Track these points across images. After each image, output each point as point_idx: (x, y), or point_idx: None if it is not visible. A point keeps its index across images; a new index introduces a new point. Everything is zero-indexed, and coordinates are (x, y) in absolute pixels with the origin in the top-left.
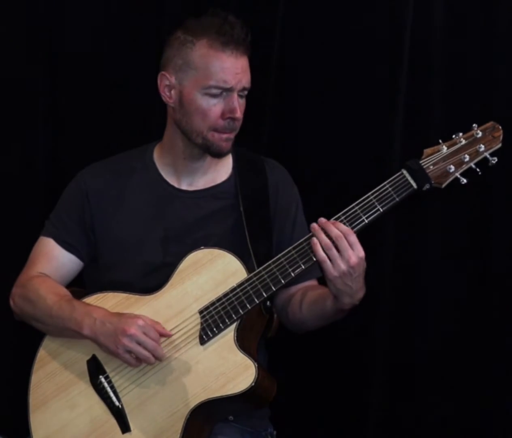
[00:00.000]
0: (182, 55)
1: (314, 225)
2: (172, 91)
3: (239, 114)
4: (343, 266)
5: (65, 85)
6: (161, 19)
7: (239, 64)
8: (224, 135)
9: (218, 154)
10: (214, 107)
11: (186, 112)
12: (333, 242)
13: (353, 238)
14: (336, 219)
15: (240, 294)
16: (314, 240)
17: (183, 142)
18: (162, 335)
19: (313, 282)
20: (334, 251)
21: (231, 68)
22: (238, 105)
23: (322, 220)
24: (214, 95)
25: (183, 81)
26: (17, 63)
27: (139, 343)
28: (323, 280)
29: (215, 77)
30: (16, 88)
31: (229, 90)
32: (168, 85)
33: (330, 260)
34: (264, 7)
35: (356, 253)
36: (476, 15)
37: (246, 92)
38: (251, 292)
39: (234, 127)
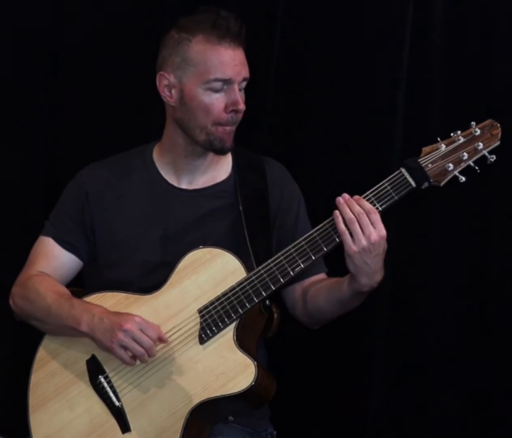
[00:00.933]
0: (179, 53)
1: (339, 199)
2: (173, 91)
3: (242, 105)
4: (363, 242)
5: (65, 85)
6: (161, 18)
7: (236, 56)
8: (228, 128)
9: (221, 150)
10: (217, 101)
11: (188, 110)
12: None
13: (376, 216)
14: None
15: (240, 293)
16: (336, 212)
17: (184, 140)
18: (159, 339)
19: (322, 276)
20: (356, 225)
21: (230, 61)
22: (240, 96)
23: (346, 196)
24: (215, 90)
25: (183, 79)
26: (17, 63)
27: (134, 339)
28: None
29: (214, 70)
30: (16, 89)
31: (229, 82)
32: (167, 85)
33: (350, 234)
34: (264, 5)
35: (377, 231)
36: (476, 14)
37: (245, 84)
38: (250, 291)
39: (237, 120)
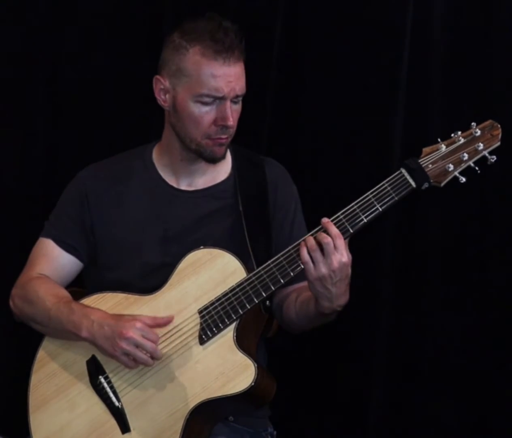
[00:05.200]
0: (176, 60)
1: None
2: (167, 95)
3: (231, 122)
4: (324, 270)
5: (65, 85)
6: (162, 17)
7: (232, 72)
8: (218, 140)
9: (212, 160)
10: (206, 114)
11: (180, 118)
12: (320, 246)
13: (340, 242)
14: (335, 219)
15: (240, 293)
16: (302, 242)
17: (180, 145)
18: (162, 325)
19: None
20: (318, 253)
21: (224, 77)
22: (231, 112)
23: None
24: (206, 103)
25: (176, 86)
26: (17, 63)
27: (137, 346)
28: None
29: (207, 86)
30: (16, 88)
31: (222, 98)
32: (162, 89)
33: (313, 262)
34: (264, 5)
35: (338, 257)
36: (476, 13)
37: (240, 99)
38: (250, 291)
39: (227, 133)
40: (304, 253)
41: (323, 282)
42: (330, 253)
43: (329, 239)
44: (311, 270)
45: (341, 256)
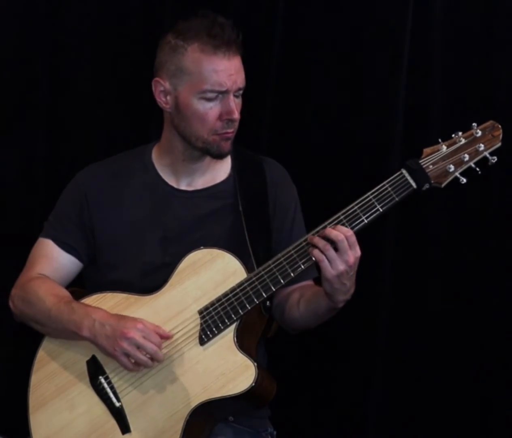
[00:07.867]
0: (174, 61)
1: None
2: (168, 97)
3: (236, 115)
4: (341, 266)
5: (65, 85)
6: (162, 18)
7: (232, 65)
8: (224, 135)
9: (219, 156)
10: (211, 110)
11: (184, 117)
12: (332, 243)
13: (353, 239)
14: (336, 219)
15: (240, 294)
16: (311, 244)
17: (182, 145)
18: (162, 337)
19: (309, 282)
20: (332, 251)
21: (225, 71)
22: (235, 105)
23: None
24: (210, 99)
25: (178, 87)
26: (17, 64)
27: (138, 347)
28: (318, 280)
29: (209, 81)
30: (16, 89)
31: (225, 92)
32: (163, 91)
33: (328, 259)
34: (264, 5)
35: (353, 252)
36: (476, 14)
37: (241, 92)
38: (250, 292)
39: (233, 127)
40: (317, 252)
41: (340, 278)
42: (346, 249)
43: (342, 236)
44: (328, 268)
45: (356, 251)
